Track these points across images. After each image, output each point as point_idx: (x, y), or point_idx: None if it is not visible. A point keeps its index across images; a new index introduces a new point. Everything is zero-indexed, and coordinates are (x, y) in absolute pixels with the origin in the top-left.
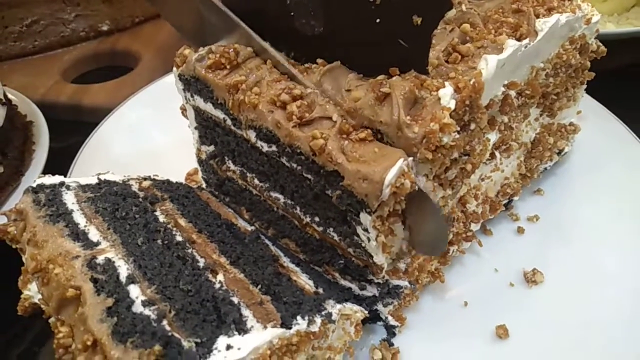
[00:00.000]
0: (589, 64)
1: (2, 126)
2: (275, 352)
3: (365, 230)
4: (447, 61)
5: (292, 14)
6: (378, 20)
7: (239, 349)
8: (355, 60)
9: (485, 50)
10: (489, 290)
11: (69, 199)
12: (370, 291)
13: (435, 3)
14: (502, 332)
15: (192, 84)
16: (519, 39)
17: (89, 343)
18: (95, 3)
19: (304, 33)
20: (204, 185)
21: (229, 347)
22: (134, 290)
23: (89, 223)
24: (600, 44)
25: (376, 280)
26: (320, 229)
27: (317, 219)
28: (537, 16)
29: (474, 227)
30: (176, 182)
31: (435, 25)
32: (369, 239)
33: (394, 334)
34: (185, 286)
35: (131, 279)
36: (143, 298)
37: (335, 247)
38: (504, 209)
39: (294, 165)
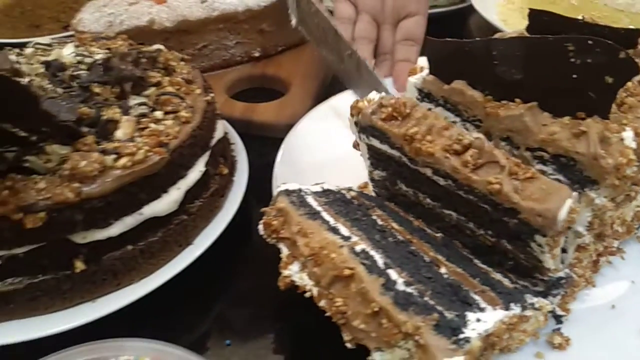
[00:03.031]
0: None
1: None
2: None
3: (539, 245)
4: (620, 110)
5: (495, 62)
6: (575, 76)
7: (485, 322)
8: (548, 103)
9: None
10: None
11: (312, 202)
12: (539, 287)
13: (628, 68)
14: None
15: (369, 130)
16: None
17: (376, 310)
18: (252, 33)
19: (503, 77)
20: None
21: (478, 320)
22: (393, 274)
23: (336, 222)
24: None
25: (544, 278)
26: (493, 239)
27: (490, 232)
28: None
29: (615, 243)
30: (369, 194)
31: (622, 84)
32: (541, 252)
33: (561, 322)
34: (426, 274)
35: (387, 265)
36: (402, 280)
37: (505, 252)
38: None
39: (471, 197)
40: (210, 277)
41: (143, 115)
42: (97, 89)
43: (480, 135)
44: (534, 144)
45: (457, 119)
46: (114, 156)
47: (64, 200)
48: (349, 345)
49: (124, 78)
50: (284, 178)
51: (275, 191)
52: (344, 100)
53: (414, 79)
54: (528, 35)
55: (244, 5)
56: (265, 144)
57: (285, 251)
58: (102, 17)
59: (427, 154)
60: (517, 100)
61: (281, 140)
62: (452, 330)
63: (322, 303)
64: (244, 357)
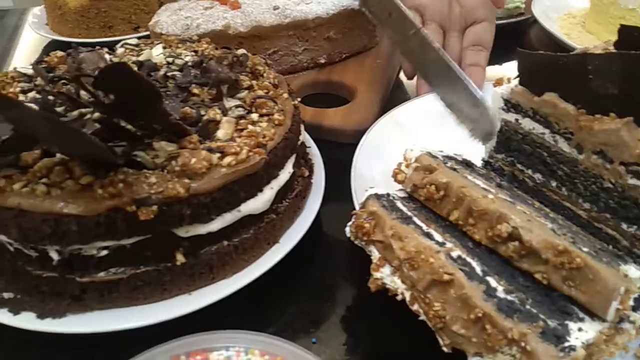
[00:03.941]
0: None
1: None
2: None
3: None
4: None
5: (590, 77)
6: None
7: (586, 331)
8: None
9: None
10: None
11: (402, 207)
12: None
13: None
14: None
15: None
16: None
17: (479, 315)
18: (319, 40)
19: (598, 92)
20: None
21: (580, 329)
22: (492, 281)
23: (428, 227)
24: None
25: None
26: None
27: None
28: None
29: None
30: None
31: None
32: None
33: None
34: (524, 282)
35: (485, 272)
36: (501, 288)
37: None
38: None
39: None
40: (286, 275)
41: (241, 117)
42: (195, 90)
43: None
44: (630, 159)
45: (547, 131)
46: (218, 155)
47: (175, 195)
48: (445, 349)
49: (221, 80)
50: (360, 182)
51: (355, 193)
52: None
53: (500, 89)
54: (615, 50)
55: (314, 13)
56: (330, 147)
57: (376, 254)
58: (179, 20)
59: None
60: (612, 114)
61: (347, 145)
62: (557, 338)
63: (415, 307)
64: (330, 357)
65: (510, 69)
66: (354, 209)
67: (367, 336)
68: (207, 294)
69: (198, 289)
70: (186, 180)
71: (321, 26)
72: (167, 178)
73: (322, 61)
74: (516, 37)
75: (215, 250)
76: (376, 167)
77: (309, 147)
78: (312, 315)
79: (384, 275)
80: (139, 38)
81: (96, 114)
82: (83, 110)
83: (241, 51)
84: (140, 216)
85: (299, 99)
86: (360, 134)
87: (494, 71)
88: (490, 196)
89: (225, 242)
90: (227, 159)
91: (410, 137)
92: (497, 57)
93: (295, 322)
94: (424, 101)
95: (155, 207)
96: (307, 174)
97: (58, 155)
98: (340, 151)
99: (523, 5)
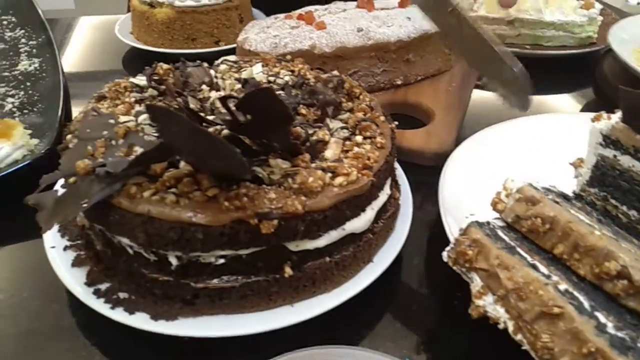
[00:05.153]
0: None
1: None
2: None
3: None
4: None
5: None
6: None
7: None
8: None
9: None
10: None
11: (503, 236)
12: None
13: None
14: None
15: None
16: None
17: (592, 350)
18: (398, 62)
19: None
20: None
21: None
22: (601, 317)
23: (532, 259)
24: None
25: None
26: None
27: None
28: None
29: None
30: None
31: None
32: None
33: None
34: (631, 320)
35: (594, 308)
36: (611, 324)
37: None
38: None
39: None
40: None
41: (346, 138)
42: (303, 110)
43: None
44: None
45: None
46: (330, 174)
47: (294, 211)
48: None
49: (327, 103)
50: (448, 207)
51: (445, 218)
52: (497, 130)
53: (599, 125)
54: None
55: (396, 36)
56: (406, 169)
57: (478, 281)
58: (268, 38)
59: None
60: None
61: (422, 166)
62: None
63: (519, 336)
64: None
65: (580, 97)
66: (437, 230)
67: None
68: (308, 306)
69: (300, 301)
70: (303, 198)
71: (401, 49)
72: (285, 194)
73: (399, 82)
74: (587, 67)
75: (318, 265)
76: (463, 191)
77: (396, 168)
78: (401, 335)
79: (487, 304)
80: (219, 52)
81: (225, 131)
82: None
83: (335, 73)
84: (262, 229)
85: (396, 123)
86: (439, 156)
87: (563, 100)
88: (597, 232)
89: (328, 258)
90: (339, 179)
91: (497, 162)
92: (568, 85)
93: (386, 341)
94: (508, 125)
95: (275, 222)
96: (397, 195)
97: (182, 166)
98: (415, 172)
99: (595, 35)
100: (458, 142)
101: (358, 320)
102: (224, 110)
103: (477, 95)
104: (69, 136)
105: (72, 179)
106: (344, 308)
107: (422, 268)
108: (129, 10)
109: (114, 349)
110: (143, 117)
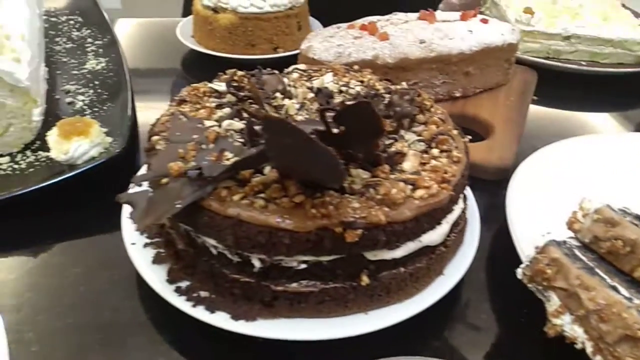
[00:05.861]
0: None
1: None
2: None
3: None
4: None
5: None
6: None
7: None
8: None
9: None
10: None
11: (581, 256)
12: None
13: None
14: None
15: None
16: None
17: None
18: (458, 74)
19: None
20: None
21: None
22: None
23: (612, 280)
24: None
25: None
26: None
27: None
28: None
29: None
30: None
31: None
32: None
33: None
34: None
35: None
36: None
37: None
38: None
39: None
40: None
41: (424, 151)
42: None
43: None
44: None
45: None
46: (410, 187)
47: (377, 221)
48: None
49: (404, 115)
50: (517, 222)
51: (514, 234)
52: (561, 147)
53: None
54: None
55: (458, 48)
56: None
57: (555, 300)
58: (332, 47)
59: None
60: None
61: (481, 180)
62: None
63: (597, 358)
64: None
65: (636, 116)
66: (501, 244)
67: None
68: (382, 315)
69: (374, 310)
70: (385, 209)
71: (462, 61)
72: (368, 204)
73: (457, 94)
74: None
75: (394, 275)
76: (530, 207)
77: None
78: (469, 347)
79: (564, 323)
80: (277, 58)
81: None
82: None
83: (405, 85)
84: (347, 238)
85: (469, 137)
86: (501, 171)
87: (620, 118)
88: None
89: (402, 269)
90: (419, 192)
91: (563, 180)
92: (623, 103)
93: (454, 352)
94: (572, 142)
95: (360, 231)
96: (467, 209)
97: (267, 171)
98: (474, 186)
99: None
100: (517, 157)
101: (427, 331)
102: (299, 118)
103: (533, 109)
104: (154, 137)
105: (164, 180)
106: (413, 317)
107: (488, 282)
108: (185, 14)
109: (191, 346)
110: (227, 123)
